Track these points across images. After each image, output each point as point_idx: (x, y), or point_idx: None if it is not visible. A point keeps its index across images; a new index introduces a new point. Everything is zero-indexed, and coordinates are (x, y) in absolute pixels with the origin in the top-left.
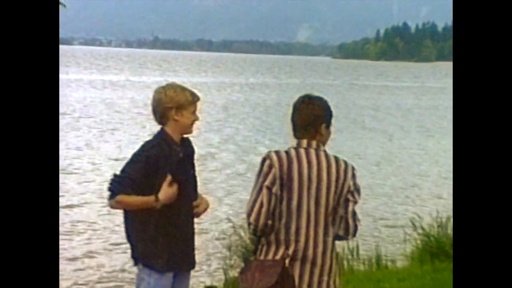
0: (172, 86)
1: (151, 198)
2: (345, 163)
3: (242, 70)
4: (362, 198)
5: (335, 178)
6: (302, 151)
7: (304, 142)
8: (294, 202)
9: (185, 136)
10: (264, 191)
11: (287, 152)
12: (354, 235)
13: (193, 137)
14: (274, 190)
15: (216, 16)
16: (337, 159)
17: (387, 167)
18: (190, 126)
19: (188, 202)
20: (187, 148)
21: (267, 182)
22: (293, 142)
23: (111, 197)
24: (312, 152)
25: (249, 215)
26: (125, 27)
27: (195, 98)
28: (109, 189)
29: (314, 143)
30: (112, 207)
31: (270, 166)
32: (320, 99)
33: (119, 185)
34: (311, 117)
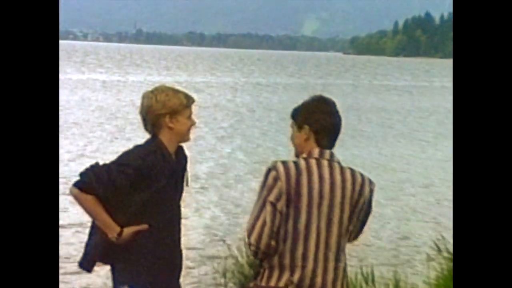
0: (162, 89)
1: (115, 229)
2: (362, 176)
3: (240, 68)
4: (380, 214)
5: (350, 194)
6: (313, 162)
7: (316, 152)
8: (302, 221)
9: (180, 144)
10: (268, 207)
11: (295, 163)
12: (355, 239)
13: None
14: (279, 206)
15: (209, 6)
16: (353, 172)
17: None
18: (187, 133)
19: (174, 222)
20: (181, 159)
21: (271, 197)
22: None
23: (78, 185)
24: (325, 163)
25: (249, 234)
26: (103, 19)
27: (190, 101)
28: (81, 175)
29: (327, 153)
30: (72, 194)
31: (276, 179)
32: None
33: (95, 181)
34: (324, 121)
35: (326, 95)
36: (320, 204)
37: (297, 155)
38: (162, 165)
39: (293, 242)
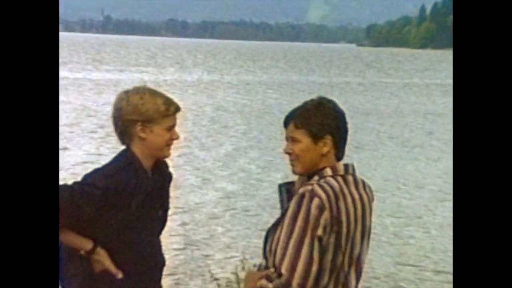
0: (138, 91)
1: (87, 244)
2: (369, 187)
3: (231, 63)
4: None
5: (369, 212)
6: (341, 181)
7: (341, 168)
8: (343, 253)
9: (160, 159)
10: (316, 242)
11: (330, 185)
12: None
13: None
14: (325, 239)
15: None
16: (364, 184)
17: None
18: (163, 147)
19: (151, 253)
20: (161, 177)
21: (319, 231)
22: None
23: None
24: (350, 179)
25: (290, 275)
26: (64, 4)
27: (171, 108)
28: None
29: (350, 167)
30: None
31: (321, 208)
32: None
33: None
34: (343, 128)
35: (338, 96)
36: (355, 231)
37: (301, 171)
38: (134, 184)
39: (329, 280)
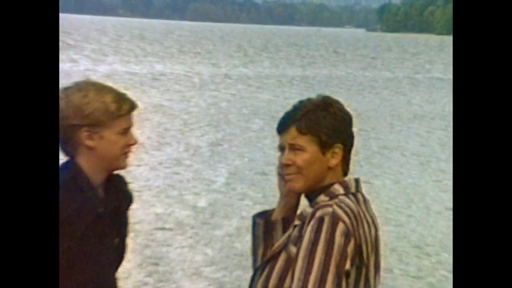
0: (80, 87)
1: None
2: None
3: (209, 52)
4: None
5: (380, 240)
6: (353, 199)
7: (353, 184)
8: (364, 284)
9: (114, 173)
10: (343, 281)
11: (348, 206)
12: None
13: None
14: (352, 277)
15: None
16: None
17: None
18: (118, 157)
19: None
20: (117, 196)
21: (347, 264)
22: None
23: None
24: (361, 198)
25: None
26: None
27: (124, 106)
28: None
29: (360, 183)
30: None
31: (348, 235)
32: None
33: None
34: (352, 136)
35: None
36: (369, 263)
37: (302, 188)
38: (78, 206)
39: None
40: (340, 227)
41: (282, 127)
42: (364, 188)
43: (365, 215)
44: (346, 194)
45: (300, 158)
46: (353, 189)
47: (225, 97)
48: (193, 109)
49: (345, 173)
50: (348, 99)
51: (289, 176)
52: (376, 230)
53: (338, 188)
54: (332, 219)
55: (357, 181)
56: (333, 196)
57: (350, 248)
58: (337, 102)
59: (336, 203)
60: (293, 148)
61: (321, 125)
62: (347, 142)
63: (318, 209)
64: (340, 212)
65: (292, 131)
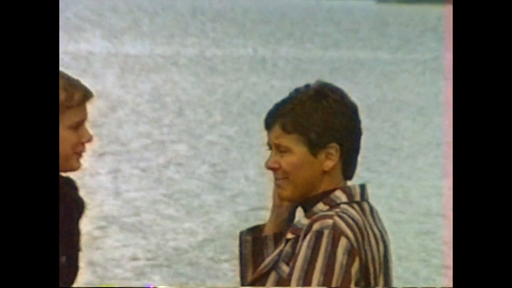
0: None
1: None
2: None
3: (180, 29)
4: None
5: (391, 256)
6: (358, 209)
7: (357, 192)
8: None
9: (64, 175)
10: None
11: (351, 217)
12: None
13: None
14: None
15: None
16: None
17: None
18: (69, 156)
19: None
20: (66, 204)
21: (352, 284)
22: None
23: None
24: (367, 208)
25: None
26: None
27: (76, 95)
28: None
29: (366, 190)
30: None
31: (351, 252)
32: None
33: None
34: (355, 132)
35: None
36: (380, 279)
37: (292, 197)
38: None
39: None
40: (343, 243)
41: (266, 123)
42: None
43: (372, 229)
44: (349, 203)
45: (286, 161)
46: (357, 197)
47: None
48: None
49: (347, 177)
50: (353, 85)
51: (277, 182)
52: (386, 246)
53: (340, 196)
54: (332, 233)
55: (362, 187)
56: (333, 205)
57: (355, 268)
58: (335, 91)
59: (337, 214)
60: (279, 149)
61: (310, 121)
62: (347, 141)
63: (316, 220)
64: (342, 224)
65: (277, 128)
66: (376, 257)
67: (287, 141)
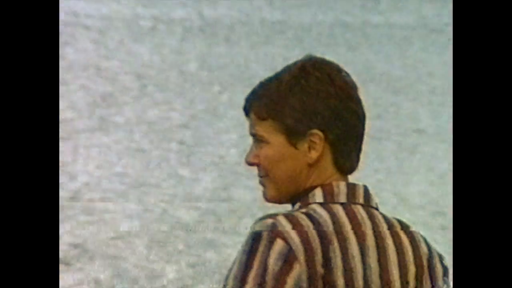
0: None
1: None
2: (425, 241)
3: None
4: None
5: (415, 270)
6: (339, 210)
7: (343, 188)
8: None
9: None
10: None
11: (309, 216)
12: None
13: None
14: None
15: None
16: (410, 232)
17: None
18: None
19: None
20: None
21: None
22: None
23: None
24: (361, 212)
25: None
26: None
27: None
28: None
29: (360, 189)
30: None
31: (287, 258)
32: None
33: None
34: (349, 115)
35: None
36: None
37: (275, 196)
38: None
39: None
40: (277, 246)
41: (245, 108)
42: None
43: (359, 235)
44: (324, 203)
45: (263, 154)
46: (342, 198)
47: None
48: None
49: (344, 171)
50: (355, 55)
51: (260, 180)
52: (386, 258)
53: (317, 194)
54: (270, 235)
55: (352, 187)
56: (305, 205)
57: (292, 277)
58: (320, 68)
59: (285, 214)
60: (257, 140)
61: (286, 104)
62: (334, 127)
63: (259, 220)
64: (286, 225)
65: (252, 115)
66: (357, 265)
67: (262, 129)
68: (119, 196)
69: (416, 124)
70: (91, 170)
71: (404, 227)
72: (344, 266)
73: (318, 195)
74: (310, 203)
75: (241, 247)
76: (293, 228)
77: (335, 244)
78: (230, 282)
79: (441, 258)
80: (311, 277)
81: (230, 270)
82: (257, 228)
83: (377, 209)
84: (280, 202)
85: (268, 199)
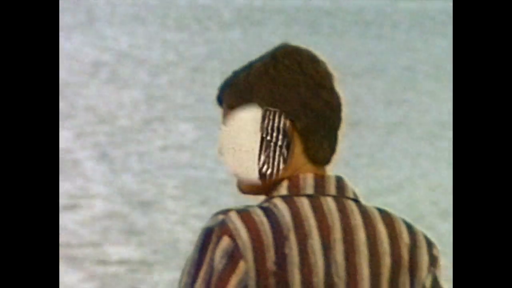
0: None
1: None
2: (410, 228)
3: None
4: None
5: (390, 262)
6: (304, 203)
7: (309, 180)
8: None
9: None
10: None
11: (267, 212)
12: None
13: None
14: None
15: None
16: (390, 219)
17: None
18: None
19: None
20: None
21: None
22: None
23: None
24: (330, 203)
25: None
26: None
27: None
28: None
29: (331, 180)
30: None
31: (232, 256)
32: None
33: None
34: (321, 104)
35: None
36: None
37: (247, 188)
38: None
39: None
40: (223, 243)
41: (217, 98)
42: None
43: (324, 229)
44: (288, 197)
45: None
46: (309, 190)
47: None
48: None
49: (317, 161)
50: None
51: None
52: (354, 252)
53: (283, 186)
54: (218, 232)
55: (320, 178)
56: (268, 198)
57: (237, 276)
58: (291, 56)
59: (237, 209)
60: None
61: (254, 93)
62: (304, 116)
63: (213, 215)
64: (235, 221)
65: (224, 105)
66: (318, 261)
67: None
68: None
69: None
70: None
71: (385, 217)
72: (301, 262)
73: (283, 187)
74: (274, 196)
75: (195, 242)
76: (244, 224)
77: (292, 239)
78: (184, 277)
79: (430, 247)
80: (260, 275)
81: (185, 265)
82: (209, 224)
83: (355, 200)
84: (254, 193)
85: (241, 190)
